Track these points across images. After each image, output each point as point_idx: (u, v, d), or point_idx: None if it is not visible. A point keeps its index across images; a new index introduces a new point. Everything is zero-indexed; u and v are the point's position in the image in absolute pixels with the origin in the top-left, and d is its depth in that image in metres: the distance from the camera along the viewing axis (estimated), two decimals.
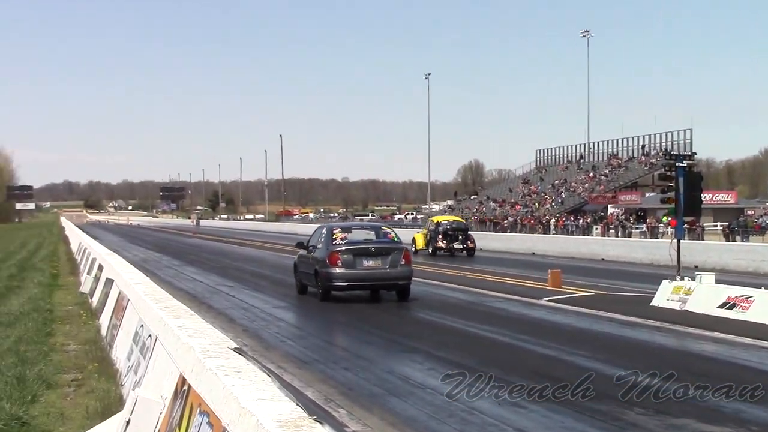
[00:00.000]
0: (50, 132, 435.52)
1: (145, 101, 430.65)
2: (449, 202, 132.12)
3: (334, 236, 22.73)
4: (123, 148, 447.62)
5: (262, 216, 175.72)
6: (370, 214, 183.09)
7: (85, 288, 22.58)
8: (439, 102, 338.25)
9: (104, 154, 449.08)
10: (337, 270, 21.83)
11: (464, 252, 45.02)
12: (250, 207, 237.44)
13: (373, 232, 23.98)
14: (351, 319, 18.52)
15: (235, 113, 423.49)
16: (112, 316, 13.64)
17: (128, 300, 11.73)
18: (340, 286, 22.09)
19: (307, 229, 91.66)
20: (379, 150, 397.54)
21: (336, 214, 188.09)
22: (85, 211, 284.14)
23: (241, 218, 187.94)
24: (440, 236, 45.40)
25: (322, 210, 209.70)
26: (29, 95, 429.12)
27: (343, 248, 22.04)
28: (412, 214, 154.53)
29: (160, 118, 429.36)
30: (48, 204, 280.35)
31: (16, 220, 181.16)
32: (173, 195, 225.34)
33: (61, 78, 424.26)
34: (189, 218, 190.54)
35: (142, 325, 9.34)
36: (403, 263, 22.20)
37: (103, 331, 14.23)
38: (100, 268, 20.30)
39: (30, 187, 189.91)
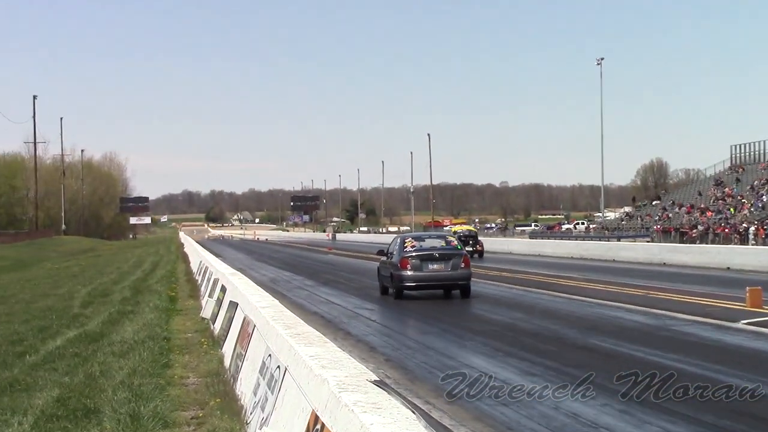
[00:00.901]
0: (168, 137, 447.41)
1: (274, 102, 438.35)
2: (626, 209, 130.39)
3: (406, 244, 30.51)
4: (249, 154, 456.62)
5: (408, 228, 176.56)
6: (533, 224, 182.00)
7: (206, 313, 23.06)
8: (614, 92, 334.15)
9: (228, 160, 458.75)
10: (408, 272, 29.62)
11: (475, 254, 60.67)
12: (393, 218, 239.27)
13: (440, 241, 31.94)
14: (513, 349, 18.42)
15: (375, 113, 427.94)
16: (236, 345, 13.86)
17: (254, 326, 11.90)
18: (409, 286, 29.91)
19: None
20: (543, 150, 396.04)
21: (493, 225, 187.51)
22: (206, 224, 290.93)
23: (384, 231, 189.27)
24: None
25: (476, 220, 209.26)
26: (146, 99, 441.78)
27: (413, 254, 29.80)
28: (583, 223, 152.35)
29: (290, 120, 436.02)
30: (165, 217, 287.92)
31: (131, 236, 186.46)
32: (306, 205, 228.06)
33: (182, 81, 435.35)
34: (324, 231, 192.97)
35: (269, 355, 9.46)
36: (462, 266, 29.88)
37: (226, 362, 14.48)
38: (223, 289, 20.66)
39: (146, 199, 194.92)
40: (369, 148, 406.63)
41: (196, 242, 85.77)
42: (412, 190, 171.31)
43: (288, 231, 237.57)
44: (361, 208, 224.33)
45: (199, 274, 36.63)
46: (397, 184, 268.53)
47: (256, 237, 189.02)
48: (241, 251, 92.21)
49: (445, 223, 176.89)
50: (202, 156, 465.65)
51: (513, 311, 25.72)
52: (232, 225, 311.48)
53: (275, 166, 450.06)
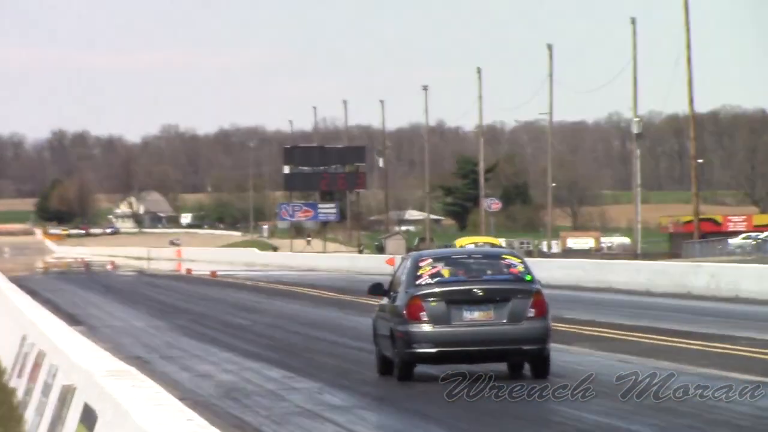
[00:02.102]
0: None
1: None
2: None
3: (420, 271, 33.76)
4: (164, 40, 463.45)
5: (627, 241, 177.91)
6: None
7: None
8: None
9: (104, 52, 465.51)
10: (422, 327, 32.97)
11: None
12: (582, 208, 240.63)
13: (487, 262, 34.78)
14: None
15: None
16: None
17: None
18: (425, 354, 33.23)
19: None
20: None
21: None
22: (41, 231, 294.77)
23: (554, 250, 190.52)
24: None
25: None
26: None
27: (432, 291, 33.07)
28: None
29: None
30: None
31: None
32: (326, 175, 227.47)
33: None
34: (379, 249, 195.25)
35: None
36: (531, 315, 32.78)
37: None
38: (89, 419, 21.42)
39: None
40: (506, 20, 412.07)
41: (13, 282, 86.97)
42: (637, 129, 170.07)
43: (278, 249, 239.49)
44: (487, 180, 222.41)
45: (22, 374, 37.47)
46: (591, 114, 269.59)
47: (184, 268, 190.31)
48: (140, 307, 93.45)
49: (728, 226, 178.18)
50: (27, 43, 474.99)
51: None
52: (116, 230, 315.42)
53: (239, 64, 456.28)
